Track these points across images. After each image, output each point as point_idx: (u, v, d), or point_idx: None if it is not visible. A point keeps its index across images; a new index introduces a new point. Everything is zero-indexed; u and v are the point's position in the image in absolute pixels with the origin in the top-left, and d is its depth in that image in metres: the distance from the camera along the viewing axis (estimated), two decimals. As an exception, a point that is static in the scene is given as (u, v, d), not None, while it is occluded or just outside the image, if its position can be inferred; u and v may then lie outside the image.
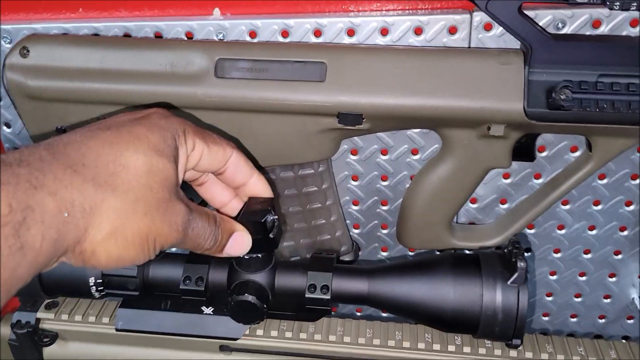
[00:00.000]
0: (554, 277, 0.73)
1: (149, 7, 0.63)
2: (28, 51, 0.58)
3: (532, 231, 0.70)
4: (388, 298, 0.51)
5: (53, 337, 0.58)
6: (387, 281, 0.51)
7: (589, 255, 0.71)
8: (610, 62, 0.52)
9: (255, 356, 0.57)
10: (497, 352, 0.53)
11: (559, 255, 0.71)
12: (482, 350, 0.53)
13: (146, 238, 0.38)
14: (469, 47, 0.58)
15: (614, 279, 0.73)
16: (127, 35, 0.62)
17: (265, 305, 0.49)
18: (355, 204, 0.71)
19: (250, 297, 0.49)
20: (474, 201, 0.69)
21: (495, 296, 0.48)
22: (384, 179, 0.69)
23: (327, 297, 0.50)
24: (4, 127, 0.70)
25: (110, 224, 0.36)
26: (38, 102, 0.59)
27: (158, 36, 0.61)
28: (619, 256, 0.71)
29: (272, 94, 0.55)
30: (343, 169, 0.68)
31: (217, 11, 0.62)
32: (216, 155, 0.46)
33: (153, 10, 0.63)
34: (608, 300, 0.74)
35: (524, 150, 0.60)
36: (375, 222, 0.72)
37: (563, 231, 0.70)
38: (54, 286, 0.52)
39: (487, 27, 0.58)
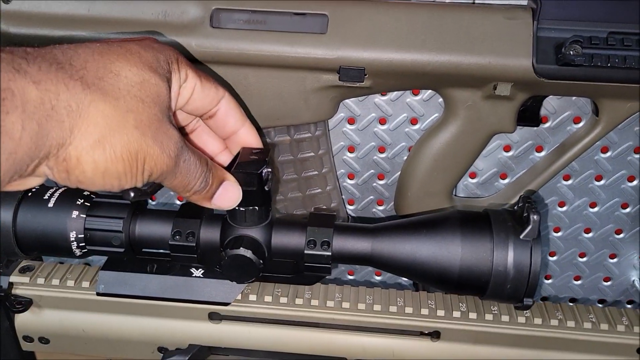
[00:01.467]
0: (554, 258, 0.71)
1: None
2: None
3: (533, 208, 0.68)
4: (392, 257, 0.48)
5: (27, 303, 0.53)
6: (392, 239, 0.48)
7: (589, 235, 0.69)
8: (620, 19, 0.51)
9: (246, 325, 0.53)
10: (505, 318, 0.50)
11: (559, 234, 0.69)
12: (488, 317, 0.51)
13: (136, 155, 0.35)
14: (474, 3, 0.56)
15: (614, 260, 0.71)
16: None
17: (261, 261, 0.46)
18: (350, 177, 0.68)
19: (245, 252, 0.45)
20: (473, 175, 0.67)
21: (506, 251, 0.45)
22: (381, 150, 0.66)
23: (328, 253, 0.46)
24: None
25: (98, 131, 0.33)
26: (21, 52, 0.55)
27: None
28: (620, 235, 0.69)
29: (270, 47, 0.53)
30: (339, 139, 0.65)
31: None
32: (208, 92, 0.43)
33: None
34: (608, 282, 0.72)
35: (529, 114, 0.58)
36: (371, 197, 0.69)
37: (564, 208, 0.68)
38: (31, 242, 0.48)
39: (494, -14, 0.57)
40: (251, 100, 0.56)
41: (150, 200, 0.71)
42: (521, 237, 0.45)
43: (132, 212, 0.48)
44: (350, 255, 0.48)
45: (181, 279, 0.51)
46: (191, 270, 0.51)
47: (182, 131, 0.47)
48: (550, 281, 0.73)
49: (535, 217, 0.44)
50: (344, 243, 0.48)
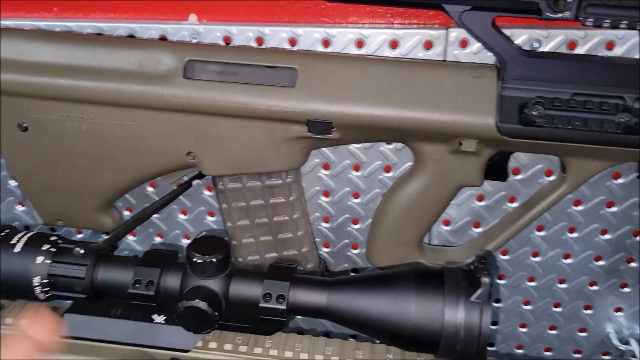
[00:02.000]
0: (528, 307, 0.71)
1: (123, 9, 0.62)
2: (-5, 43, 0.56)
3: (506, 257, 0.68)
4: (347, 311, 0.48)
5: (-7, 342, 0.55)
6: (347, 294, 0.48)
7: (564, 285, 0.69)
8: (584, 81, 0.51)
9: (208, 371, 0.54)
10: (459, 376, 0.51)
11: (533, 283, 0.69)
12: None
13: None
14: (445, 61, 0.57)
15: (589, 312, 0.70)
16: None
17: (217, 313, 0.47)
18: (325, 220, 0.69)
19: (200, 304, 0.46)
20: (446, 223, 0.67)
21: (457, 312, 0.45)
22: (355, 196, 0.67)
23: (283, 307, 0.47)
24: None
25: None
26: (2, 96, 0.57)
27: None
28: (595, 287, 0.69)
29: (241, 98, 0.54)
30: (314, 184, 0.66)
31: (192, 17, 0.61)
32: None
33: (128, 13, 0.62)
34: (583, 333, 0.72)
35: (496, 169, 0.58)
36: (346, 241, 0.70)
37: (537, 259, 0.68)
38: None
39: (463, 44, 0.58)
40: (222, 148, 0.57)
41: (130, 236, 0.73)
42: (472, 298, 0.45)
43: (96, 259, 0.50)
44: (306, 309, 0.49)
45: (143, 324, 0.52)
46: (152, 316, 0.52)
47: None
48: (525, 330, 0.73)
49: (486, 279, 0.45)
50: (300, 296, 0.48)
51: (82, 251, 0.48)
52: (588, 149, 0.52)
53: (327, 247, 0.70)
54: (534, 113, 0.51)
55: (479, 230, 0.67)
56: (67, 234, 0.72)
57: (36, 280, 0.49)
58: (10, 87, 0.56)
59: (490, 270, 0.45)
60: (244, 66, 0.55)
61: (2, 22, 0.60)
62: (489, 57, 0.55)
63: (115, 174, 0.60)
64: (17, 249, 0.49)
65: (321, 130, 0.55)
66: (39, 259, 0.49)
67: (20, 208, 0.71)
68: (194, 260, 0.47)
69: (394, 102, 0.53)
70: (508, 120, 0.52)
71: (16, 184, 0.69)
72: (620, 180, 0.62)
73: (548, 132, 0.51)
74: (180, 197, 0.66)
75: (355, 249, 0.70)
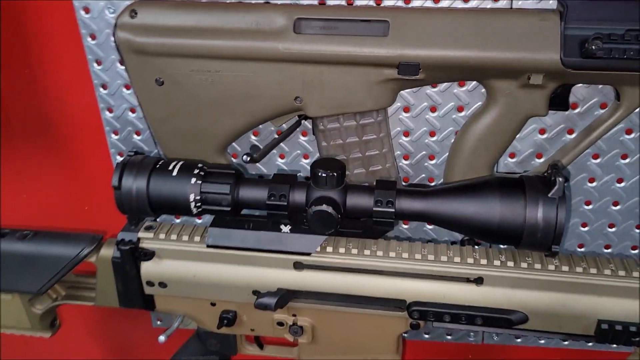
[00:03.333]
0: (585, 229, 0.81)
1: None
2: (136, 13, 0.68)
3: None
4: (444, 214, 0.59)
5: (150, 254, 0.68)
6: (443, 200, 0.59)
7: (617, 207, 0.79)
8: (635, 18, 0.61)
9: (324, 272, 0.65)
10: (537, 265, 0.61)
11: (589, 207, 0.79)
12: (523, 265, 0.62)
13: None
14: (512, 8, 0.67)
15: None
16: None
17: (339, 216, 0.58)
18: (405, 158, 0.80)
19: (327, 207, 0.58)
20: (512, 155, 0.77)
21: (537, 207, 0.56)
22: (432, 134, 0.78)
23: (392, 210, 0.58)
24: (101, 89, 0.81)
25: None
26: (142, 57, 0.69)
27: (242, 3, 0.72)
28: (646, 207, 0.78)
29: (342, 47, 0.65)
30: (396, 125, 0.77)
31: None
32: None
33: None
34: (635, 251, 0.81)
35: (559, 100, 0.68)
36: (423, 175, 0.80)
37: (593, 184, 0.78)
38: (160, 203, 0.62)
39: (527, -6, 0.68)
40: (325, 92, 0.68)
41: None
42: (549, 195, 0.56)
43: (236, 179, 0.62)
44: (410, 213, 0.60)
45: (273, 233, 0.64)
46: (280, 227, 0.64)
47: None
48: (582, 249, 0.83)
49: (560, 179, 0.55)
50: (404, 202, 0.60)
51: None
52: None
53: (405, 182, 0.81)
54: (593, 47, 0.60)
55: (541, 160, 0.77)
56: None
57: (191, 197, 0.61)
58: (151, 49, 0.69)
59: (563, 172, 0.55)
60: (343, 21, 0.66)
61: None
62: (549, 4, 0.65)
63: (233, 119, 0.72)
64: (174, 173, 0.62)
65: (410, 72, 0.65)
66: (193, 180, 0.61)
67: (137, 137, 0.83)
68: (319, 174, 0.59)
69: (473, 44, 0.63)
70: (571, 54, 0.61)
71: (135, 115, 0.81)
72: (667, 110, 0.72)
73: (606, 63, 0.61)
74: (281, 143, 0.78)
75: (431, 182, 0.81)
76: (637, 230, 0.80)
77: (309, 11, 0.67)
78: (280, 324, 0.70)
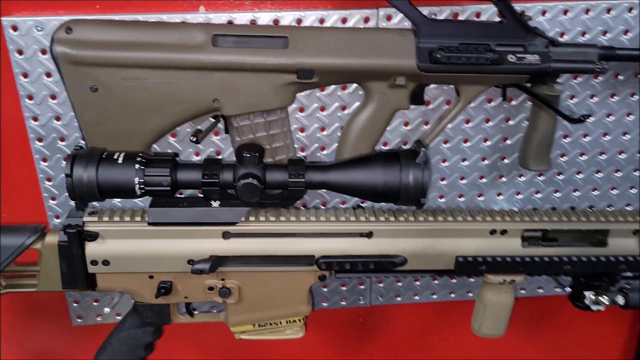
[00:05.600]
0: (444, 182, 1.04)
1: (151, 6, 0.87)
2: (71, 30, 0.79)
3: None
4: (342, 182, 0.77)
5: (95, 235, 0.78)
6: (341, 171, 0.78)
7: (463, 181, 1.02)
8: (467, 35, 0.84)
9: (248, 239, 0.80)
10: (411, 218, 0.82)
11: (443, 182, 1.02)
12: (401, 218, 0.82)
13: None
14: (378, 27, 0.88)
15: (481, 198, 1.04)
16: (139, 22, 0.85)
17: (262, 187, 0.74)
18: (302, 150, 0.97)
19: (253, 180, 0.73)
20: (385, 144, 0.98)
21: (409, 171, 0.76)
22: (322, 129, 0.96)
23: (302, 180, 0.75)
24: (26, 99, 0.89)
25: None
26: (78, 67, 0.80)
27: (163, 23, 0.86)
28: (482, 180, 1.03)
29: (251, 57, 0.81)
30: (293, 123, 0.95)
31: (202, 8, 0.88)
32: None
33: (154, 8, 0.87)
34: (479, 215, 1.05)
35: (417, 97, 0.90)
36: (317, 164, 0.98)
37: (445, 164, 1.01)
38: (108, 188, 0.73)
39: (388, 18, 0.89)
40: (238, 94, 0.84)
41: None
42: (416, 161, 0.76)
43: (174, 163, 0.75)
44: (316, 183, 0.77)
45: (205, 209, 0.78)
46: (211, 202, 0.78)
47: None
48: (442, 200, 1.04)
49: (423, 149, 0.76)
50: (312, 175, 0.77)
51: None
52: (471, 77, 0.85)
53: (303, 170, 0.99)
54: (438, 55, 0.83)
55: (406, 147, 0.99)
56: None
57: (136, 180, 0.73)
58: (85, 60, 0.80)
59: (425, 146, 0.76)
60: (252, 37, 0.82)
61: (61, 17, 0.83)
62: (406, 25, 0.87)
63: (160, 120, 0.84)
64: (120, 161, 0.74)
65: (306, 76, 0.83)
66: (137, 166, 0.74)
67: (61, 143, 0.92)
68: (244, 154, 0.74)
69: (353, 54, 0.82)
70: (423, 61, 0.83)
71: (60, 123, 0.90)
72: (492, 104, 0.97)
73: (447, 67, 0.83)
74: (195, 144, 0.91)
75: (323, 169, 0.99)
76: (461, 182, 1.04)
77: (224, 29, 0.82)
78: (211, 288, 0.84)
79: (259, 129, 0.88)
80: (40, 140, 0.92)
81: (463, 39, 0.84)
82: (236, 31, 0.82)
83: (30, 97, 0.89)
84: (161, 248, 0.79)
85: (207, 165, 0.75)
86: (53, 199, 0.96)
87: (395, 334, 1.22)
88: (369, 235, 0.81)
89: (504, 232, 0.83)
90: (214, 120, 0.87)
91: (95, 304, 1.06)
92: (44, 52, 0.87)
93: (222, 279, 0.83)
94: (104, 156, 0.74)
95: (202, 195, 0.78)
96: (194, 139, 0.70)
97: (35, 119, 0.91)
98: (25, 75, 0.88)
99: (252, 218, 0.80)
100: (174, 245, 0.79)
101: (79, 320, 1.08)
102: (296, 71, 0.82)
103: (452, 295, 1.14)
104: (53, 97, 0.90)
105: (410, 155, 0.77)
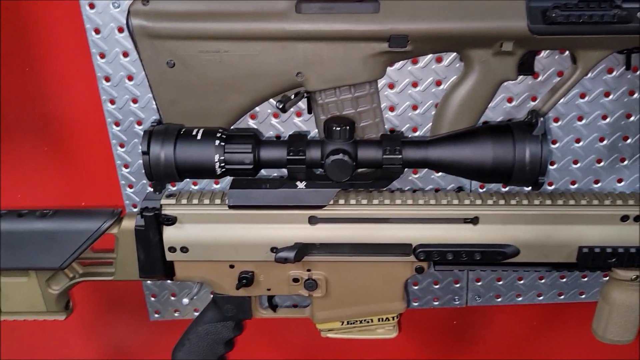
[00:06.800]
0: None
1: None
2: (147, 1, 0.74)
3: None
4: (444, 159, 0.67)
5: (173, 219, 0.72)
6: (443, 147, 0.68)
7: (577, 165, 0.90)
8: (587, -9, 0.72)
9: (336, 225, 0.72)
10: (525, 202, 0.71)
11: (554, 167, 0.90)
12: (512, 202, 0.71)
13: None
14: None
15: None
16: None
17: (354, 163, 0.66)
18: (391, 131, 0.88)
19: (342, 156, 0.65)
20: (485, 123, 0.87)
21: (524, 145, 0.65)
22: (414, 108, 0.87)
23: (399, 156, 0.66)
24: (104, 81, 0.86)
25: None
26: (155, 40, 0.75)
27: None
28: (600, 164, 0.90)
29: (338, 25, 0.73)
30: (382, 101, 0.86)
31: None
32: None
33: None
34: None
35: (526, 66, 0.79)
36: (408, 147, 0.89)
37: (555, 145, 0.89)
38: (186, 167, 0.67)
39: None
40: (323, 67, 0.76)
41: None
42: (533, 133, 0.65)
43: (256, 140, 0.68)
44: (414, 160, 0.68)
45: (289, 190, 0.70)
46: (296, 183, 0.70)
47: None
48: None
49: (541, 119, 0.65)
50: (409, 152, 0.68)
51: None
52: (592, 40, 0.73)
53: (393, 154, 0.89)
54: (554, 15, 0.71)
55: (512, 125, 0.87)
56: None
57: (216, 157, 0.67)
58: (163, 32, 0.74)
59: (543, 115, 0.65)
60: (339, 1, 0.74)
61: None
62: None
63: (240, 97, 0.78)
64: (199, 137, 0.67)
65: (399, 44, 0.74)
66: (217, 142, 0.67)
67: (138, 127, 0.88)
68: (333, 128, 0.66)
69: (452, 17, 0.73)
70: (535, 22, 0.72)
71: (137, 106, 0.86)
72: (613, 74, 0.84)
73: (564, 28, 0.72)
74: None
75: (416, 152, 0.89)
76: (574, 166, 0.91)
77: (308, -6, 0.75)
78: (296, 280, 0.76)
79: (346, 106, 0.80)
80: (117, 124, 0.89)
81: (583, -5, 0.72)
82: (321, -4, 0.74)
83: (108, 79, 0.86)
84: (242, 234, 0.72)
85: (293, 141, 0.68)
86: (130, 186, 0.92)
87: (493, 340, 1.10)
88: (475, 221, 0.71)
89: (638, 218, 0.70)
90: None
91: (172, 298, 1.01)
92: (120, 30, 0.82)
93: (308, 270, 0.76)
94: (182, 132, 0.68)
95: (287, 176, 0.71)
96: (281, 105, 0.63)
97: (112, 102, 0.87)
98: (103, 56, 0.84)
99: (341, 201, 0.72)
100: (256, 231, 0.72)
101: (157, 315, 1.04)
102: (388, 38, 0.74)
103: (561, 297, 1.01)
104: (130, 78, 0.85)
105: (526, 128, 0.66)
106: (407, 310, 1.03)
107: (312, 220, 0.72)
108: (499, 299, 1.02)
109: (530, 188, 0.69)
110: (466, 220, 0.71)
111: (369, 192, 0.73)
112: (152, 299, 1.02)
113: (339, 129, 0.66)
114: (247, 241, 0.73)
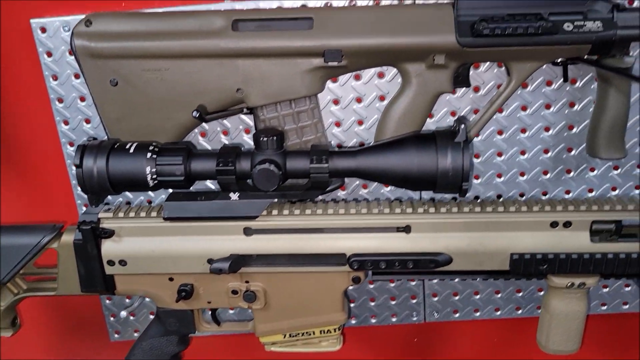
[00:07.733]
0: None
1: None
2: (90, 23, 0.77)
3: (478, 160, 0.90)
4: (370, 168, 0.69)
5: (110, 232, 0.73)
6: (369, 156, 0.69)
7: (524, 177, 0.91)
8: (514, 5, 0.74)
9: (270, 235, 0.73)
10: (454, 209, 0.71)
11: (500, 179, 0.91)
12: (442, 210, 0.71)
13: None
14: (415, 3, 0.80)
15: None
16: (162, 15, 0.82)
17: (281, 172, 0.67)
18: (338, 147, 0.90)
19: (269, 165, 0.66)
20: (431, 138, 0.89)
21: (446, 152, 0.66)
22: (360, 123, 0.88)
23: (326, 165, 0.68)
24: (57, 103, 0.88)
25: None
26: (98, 60, 0.77)
27: (185, 14, 0.82)
28: (547, 176, 0.90)
29: (274, 42, 0.76)
30: (327, 117, 0.88)
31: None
32: None
33: (180, 1, 0.84)
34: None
35: (462, 78, 0.80)
36: (356, 162, 0.90)
37: (501, 158, 0.89)
38: (119, 179, 0.68)
39: (426, -5, 0.81)
40: (262, 83, 0.78)
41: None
42: (455, 140, 0.66)
43: (187, 152, 0.70)
44: (342, 170, 0.69)
45: (223, 202, 0.72)
46: (230, 195, 0.72)
47: None
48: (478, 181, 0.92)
49: (462, 126, 0.66)
50: (336, 161, 0.69)
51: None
52: (522, 52, 0.75)
53: (341, 170, 0.91)
54: (480, 27, 0.73)
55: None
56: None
57: (148, 169, 0.68)
58: (105, 52, 0.77)
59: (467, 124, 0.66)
60: (274, 20, 0.77)
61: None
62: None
63: (183, 114, 0.80)
64: (131, 150, 0.69)
65: (334, 59, 0.76)
66: (149, 155, 0.69)
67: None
68: (261, 138, 0.67)
69: (384, 32, 0.75)
70: (464, 35, 0.74)
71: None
72: (552, 87, 0.85)
73: (492, 40, 0.74)
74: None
75: (363, 167, 0.91)
76: (521, 178, 0.91)
77: (244, 13, 0.78)
78: (235, 292, 0.77)
79: (287, 121, 0.82)
80: (71, 144, 0.91)
81: (510, 9, 0.74)
82: (257, 15, 0.77)
83: (61, 100, 0.88)
84: (179, 246, 0.73)
85: (223, 152, 0.69)
86: (86, 205, 0.94)
87: (454, 356, 1.09)
88: (407, 229, 0.72)
89: (567, 224, 0.71)
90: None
91: (132, 318, 1.01)
92: (71, 52, 0.85)
93: (247, 282, 0.76)
94: (115, 147, 0.70)
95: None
96: (196, 114, 0.64)
97: (66, 123, 0.90)
98: (55, 78, 0.87)
99: (274, 212, 0.73)
100: (193, 243, 0.73)
101: (117, 335, 1.04)
102: (322, 53, 0.76)
103: (519, 311, 1.00)
104: (82, 99, 0.88)
105: (448, 135, 0.68)
106: (367, 327, 1.03)
107: (247, 232, 0.73)
108: (457, 315, 1.01)
109: (457, 195, 0.70)
110: (399, 229, 0.72)
111: (304, 203, 0.74)
112: (112, 319, 1.02)
113: (266, 139, 0.68)
114: (184, 253, 0.74)
